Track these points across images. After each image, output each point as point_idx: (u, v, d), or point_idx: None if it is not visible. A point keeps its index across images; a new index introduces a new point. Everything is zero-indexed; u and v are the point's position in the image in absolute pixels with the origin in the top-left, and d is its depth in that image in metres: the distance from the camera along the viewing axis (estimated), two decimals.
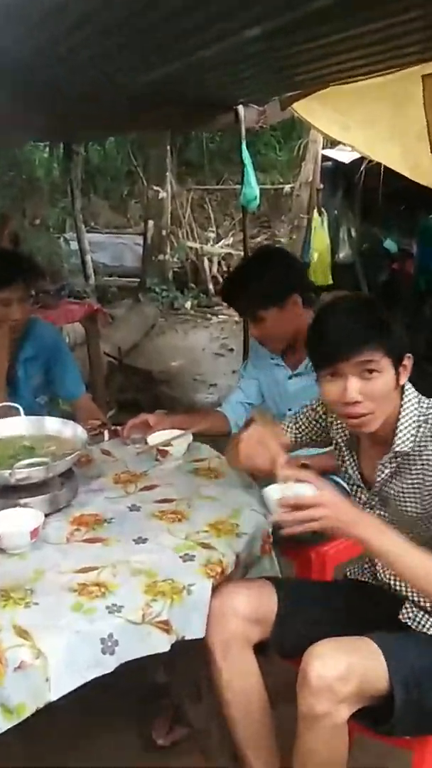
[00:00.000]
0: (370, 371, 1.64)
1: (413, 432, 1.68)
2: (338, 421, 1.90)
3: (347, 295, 2.08)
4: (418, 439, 1.68)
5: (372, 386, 1.64)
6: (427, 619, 1.76)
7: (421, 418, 1.69)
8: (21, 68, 2.74)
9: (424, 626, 1.76)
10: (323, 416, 1.98)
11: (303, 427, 2.04)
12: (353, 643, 1.63)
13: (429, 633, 1.75)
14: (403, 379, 1.70)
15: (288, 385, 2.53)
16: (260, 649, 1.83)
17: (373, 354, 1.63)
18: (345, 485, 2.21)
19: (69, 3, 1.98)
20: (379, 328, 1.65)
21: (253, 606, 1.80)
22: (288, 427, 2.07)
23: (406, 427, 1.68)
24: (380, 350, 1.64)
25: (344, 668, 1.55)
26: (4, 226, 5.81)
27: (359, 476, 1.84)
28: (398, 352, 1.67)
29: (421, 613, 1.77)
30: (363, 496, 1.84)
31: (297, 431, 2.05)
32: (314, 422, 2.01)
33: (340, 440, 1.90)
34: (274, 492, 1.63)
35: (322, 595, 1.90)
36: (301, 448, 2.10)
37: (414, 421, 1.69)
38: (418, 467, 1.68)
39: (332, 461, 1.98)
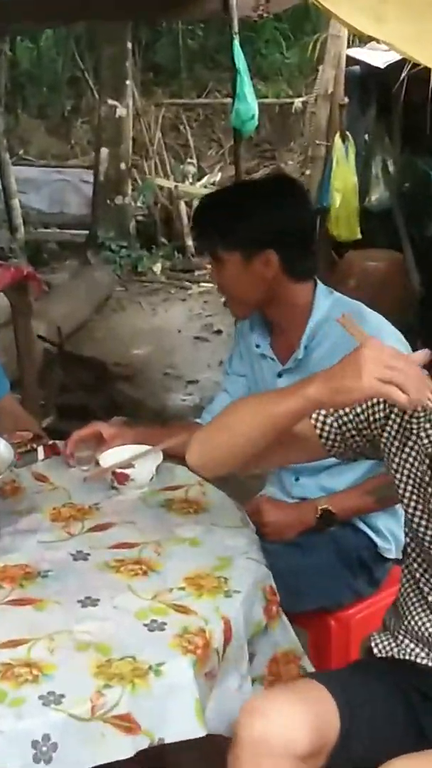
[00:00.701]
0: None
1: None
2: None
3: None
4: None
5: None
6: None
7: None
8: None
9: None
10: (389, 408, 1.89)
11: (348, 423, 1.95)
12: None
13: None
14: None
15: (279, 382, 2.51)
16: None
17: None
18: None
19: None
20: None
21: (311, 736, 1.72)
22: (320, 420, 1.96)
23: None
24: None
25: None
26: None
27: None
28: None
29: None
30: None
31: (336, 431, 1.96)
32: (369, 419, 1.92)
33: (423, 446, 1.85)
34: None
35: (371, 687, 1.90)
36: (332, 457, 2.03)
37: None
38: None
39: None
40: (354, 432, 1.93)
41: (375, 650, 1.99)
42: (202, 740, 1.73)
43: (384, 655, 1.97)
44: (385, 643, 1.99)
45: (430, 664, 1.90)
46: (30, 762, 1.55)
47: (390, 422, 1.88)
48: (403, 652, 1.95)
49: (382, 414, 1.88)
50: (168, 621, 1.81)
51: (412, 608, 1.93)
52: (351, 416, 1.92)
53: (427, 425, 1.82)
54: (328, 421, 1.94)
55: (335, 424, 1.93)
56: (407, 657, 1.93)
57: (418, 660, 1.92)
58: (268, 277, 2.39)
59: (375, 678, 1.93)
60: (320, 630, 2.45)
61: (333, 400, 1.75)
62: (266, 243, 2.37)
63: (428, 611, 1.90)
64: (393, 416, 1.87)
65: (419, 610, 1.91)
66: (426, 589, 1.90)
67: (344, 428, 1.93)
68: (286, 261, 2.39)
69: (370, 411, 1.89)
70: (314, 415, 1.94)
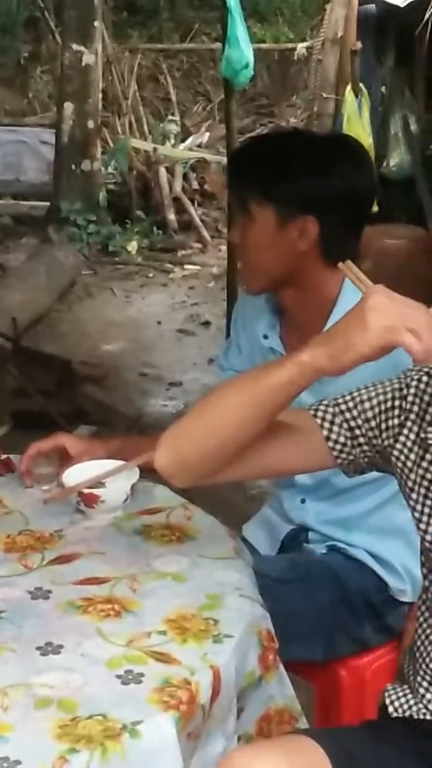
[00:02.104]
0: None
1: None
2: None
3: None
4: None
5: None
6: None
7: None
8: None
9: None
10: (405, 414, 1.91)
11: (359, 428, 1.95)
12: None
13: None
14: None
15: None
16: None
17: None
18: None
19: None
20: None
21: None
22: (327, 419, 1.96)
23: None
24: None
25: None
26: None
27: None
28: None
29: None
30: None
31: (346, 435, 1.96)
32: (381, 425, 1.93)
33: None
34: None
35: (382, 751, 1.92)
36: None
37: None
38: None
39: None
40: (363, 440, 1.94)
41: (390, 708, 2.00)
42: None
43: (401, 714, 1.97)
44: (402, 698, 2.00)
45: None
46: None
47: (405, 431, 1.89)
48: (423, 710, 1.96)
49: (396, 421, 1.89)
50: (146, 671, 1.82)
51: (431, 651, 1.95)
52: (360, 421, 1.92)
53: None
54: (337, 420, 1.94)
55: (345, 426, 1.94)
56: (429, 716, 1.94)
57: None
58: (300, 250, 2.35)
59: (386, 740, 1.95)
60: (327, 682, 2.46)
61: (333, 363, 1.74)
62: (309, 207, 2.34)
63: None
64: (409, 423, 1.88)
65: None
66: None
67: (354, 432, 1.94)
68: (326, 235, 2.36)
69: (383, 417, 1.91)
70: (320, 415, 1.94)
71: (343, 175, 2.39)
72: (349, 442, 1.94)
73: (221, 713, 1.87)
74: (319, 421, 1.94)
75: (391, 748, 1.91)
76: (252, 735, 1.99)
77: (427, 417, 1.86)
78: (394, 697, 2.01)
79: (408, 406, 1.89)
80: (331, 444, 1.94)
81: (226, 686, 1.89)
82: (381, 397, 1.92)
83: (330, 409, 1.95)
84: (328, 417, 1.94)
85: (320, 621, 2.39)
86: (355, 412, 1.93)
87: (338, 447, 1.94)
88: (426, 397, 1.87)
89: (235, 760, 1.81)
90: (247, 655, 1.97)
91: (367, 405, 1.93)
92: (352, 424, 1.93)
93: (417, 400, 1.88)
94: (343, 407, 1.94)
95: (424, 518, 1.89)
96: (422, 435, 1.86)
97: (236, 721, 1.95)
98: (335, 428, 1.93)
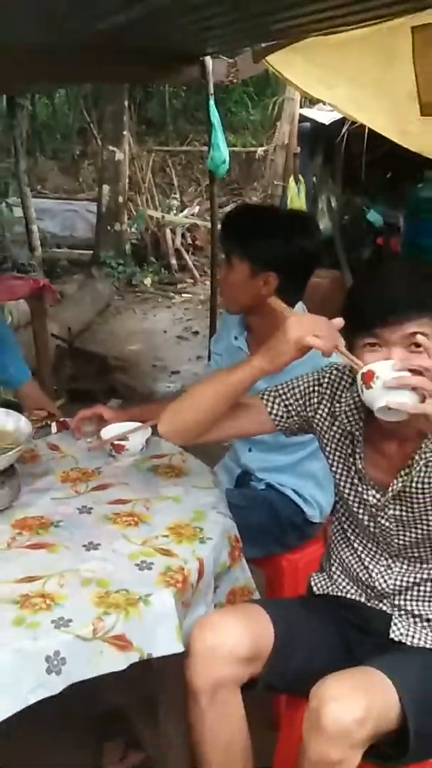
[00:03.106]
0: (417, 345, 1.59)
1: None
2: (353, 406, 1.83)
3: (409, 258, 2.07)
4: None
5: (419, 363, 1.56)
6: (421, 630, 1.80)
7: None
8: None
9: (420, 640, 1.79)
10: (321, 396, 1.90)
11: (291, 405, 1.94)
12: (366, 678, 1.63)
13: (427, 646, 1.78)
14: None
15: None
16: (248, 685, 1.81)
17: (424, 326, 1.60)
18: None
19: None
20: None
21: (250, 644, 1.76)
22: (269, 399, 1.96)
23: None
24: None
25: (362, 711, 1.54)
26: None
27: (367, 475, 1.83)
28: None
29: (412, 624, 1.81)
30: (372, 497, 1.83)
31: (283, 407, 1.95)
32: (306, 403, 1.92)
33: (353, 429, 1.84)
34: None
35: (310, 617, 1.91)
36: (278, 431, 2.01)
37: None
38: None
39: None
40: (294, 413, 1.94)
41: (315, 588, 2.00)
42: (180, 655, 1.74)
43: (321, 592, 1.98)
44: (322, 582, 2.00)
45: (356, 598, 1.91)
46: (43, 674, 1.55)
47: (321, 406, 1.89)
48: (336, 589, 1.96)
49: (315, 400, 1.90)
50: (155, 561, 1.81)
51: (340, 550, 1.96)
52: (292, 399, 1.93)
53: (346, 408, 1.84)
54: (276, 401, 1.95)
55: (282, 404, 1.94)
56: (339, 594, 1.95)
57: (348, 595, 1.93)
58: (263, 294, 2.28)
59: (312, 610, 1.95)
60: (274, 569, 2.46)
61: (273, 364, 1.78)
62: (273, 265, 2.30)
63: (353, 551, 1.92)
64: (324, 401, 1.89)
65: (346, 551, 1.94)
66: (351, 537, 1.92)
67: (288, 408, 1.94)
68: (282, 285, 2.31)
69: (307, 398, 1.92)
70: (265, 398, 1.95)
71: (298, 243, 2.33)
72: (284, 415, 1.95)
73: (203, 589, 1.87)
74: (264, 401, 1.96)
75: (315, 615, 1.91)
76: (223, 603, 1.99)
77: (336, 397, 1.87)
78: (317, 580, 2.02)
79: (324, 390, 1.90)
80: (272, 416, 1.95)
81: (207, 572, 1.89)
82: (304, 385, 1.93)
83: (272, 394, 1.96)
84: (270, 399, 1.96)
85: (261, 533, 2.38)
86: (288, 395, 1.94)
87: (278, 418, 1.95)
88: (335, 384, 1.89)
89: (210, 619, 1.81)
90: (221, 551, 1.97)
91: (296, 390, 1.94)
92: (287, 402, 1.94)
93: (330, 386, 1.90)
94: (281, 392, 1.95)
95: (334, 464, 1.90)
96: (332, 409, 1.87)
97: (213, 594, 1.95)
98: (275, 406, 1.95)
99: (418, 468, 1.73)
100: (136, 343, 6.89)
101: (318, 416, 1.90)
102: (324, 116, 6.49)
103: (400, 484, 1.76)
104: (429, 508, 1.75)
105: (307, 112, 7.00)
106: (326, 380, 1.90)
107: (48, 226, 9.33)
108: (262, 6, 3.03)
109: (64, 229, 9.81)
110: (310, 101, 6.44)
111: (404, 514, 1.79)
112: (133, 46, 3.67)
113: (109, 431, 2.38)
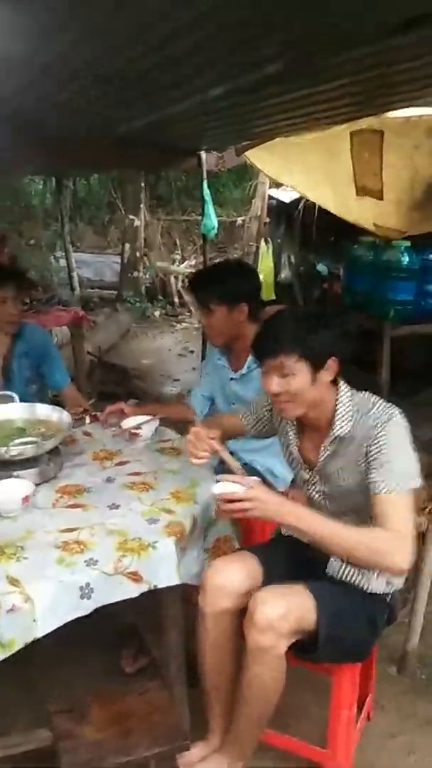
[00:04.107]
0: (285, 373, 1.68)
1: (349, 419, 1.70)
2: None
3: (286, 308, 2.09)
4: (353, 425, 1.70)
5: (287, 383, 1.68)
6: (347, 571, 1.79)
7: (355, 407, 1.71)
8: (22, 115, 2.70)
9: (345, 576, 1.79)
10: (270, 407, 1.96)
11: (257, 416, 2.01)
12: (290, 590, 1.67)
13: (348, 581, 1.78)
14: (327, 377, 1.69)
15: (231, 384, 2.49)
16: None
17: (287, 359, 1.66)
18: (275, 473, 2.28)
19: (62, 59, 1.95)
20: (293, 339, 1.67)
21: (247, 583, 1.78)
22: (245, 416, 2.04)
23: (342, 416, 1.70)
24: (294, 356, 1.66)
25: (284, 609, 1.61)
26: (3, 245, 5.76)
27: (301, 457, 1.85)
28: (316, 356, 1.67)
29: (342, 566, 1.80)
30: (305, 474, 1.84)
31: (253, 420, 2.02)
32: (265, 412, 1.98)
33: (287, 426, 1.88)
34: (215, 488, 1.68)
35: (280, 552, 1.90)
36: (253, 436, 2.07)
37: (348, 410, 1.70)
38: (353, 448, 1.70)
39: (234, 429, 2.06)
40: (260, 422, 2.00)
41: (282, 531, 2.00)
42: (178, 586, 1.75)
43: (287, 534, 1.98)
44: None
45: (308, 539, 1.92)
46: (78, 599, 1.55)
47: (280, 419, 1.92)
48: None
49: (276, 414, 1.93)
50: (160, 518, 1.82)
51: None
52: (259, 415, 2.00)
53: (286, 424, 1.89)
54: (248, 416, 2.03)
55: (251, 418, 2.02)
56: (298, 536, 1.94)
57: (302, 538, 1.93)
58: (241, 320, 2.32)
59: (281, 547, 1.95)
60: (247, 523, 2.44)
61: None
62: (242, 299, 2.32)
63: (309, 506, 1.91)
64: (280, 418, 1.91)
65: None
66: (310, 495, 1.91)
67: (257, 419, 2.01)
68: (251, 309, 2.33)
69: (272, 412, 1.96)
70: (241, 415, 2.05)
71: (250, 280, 2.41)
72: (255, 423, 2.01)
73: (196, 538, 1.88)
74: (241, 417, 2.04)
75: (282, 550, 1.90)
76: (210, 548, 1.98)
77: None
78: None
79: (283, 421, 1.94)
80: (247, 426, 2.03)
81: (199, 525, 1.89)
82: (267, 406, 1.96)
83: (246, 412, 2.04)
84: (246, 415, 2.03)
85: None
86: (257, 411, 2.01)
87: (250, 426, 2.02)
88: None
89: (218, 565, 1.81)
90: (209, 510, 1.97)
91: (260, 408, 1.99)
92: (256, 416, 2.01)
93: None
94: (252, 410, 2.02)
95: (285, 453, 1.93)
96: (283, 423, 1.91)
97: (203, 542, 1.95)
98: (248, 419, 2.02)
99: (325, 452, 1.75)
100: (149, 359, 6.87)
101: (279, 426, 1.94)
102: (286, 196, 6.50)
103: (320, 464, 1.77)
104: (342, 484, 1.74)
105: (274, 192, 7.01)
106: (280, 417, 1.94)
107: (84, 272, 9.27)
108: (241, 116, 3.05)
109: (96, 275, 9.76)
110: (276, 184, 6.44)
111: (325, 488, 1.79)
112: (148, 143, 3.68)
113: (128, 422, 2.38)
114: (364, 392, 1.75)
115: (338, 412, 1.70)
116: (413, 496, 1.63)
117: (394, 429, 1.63)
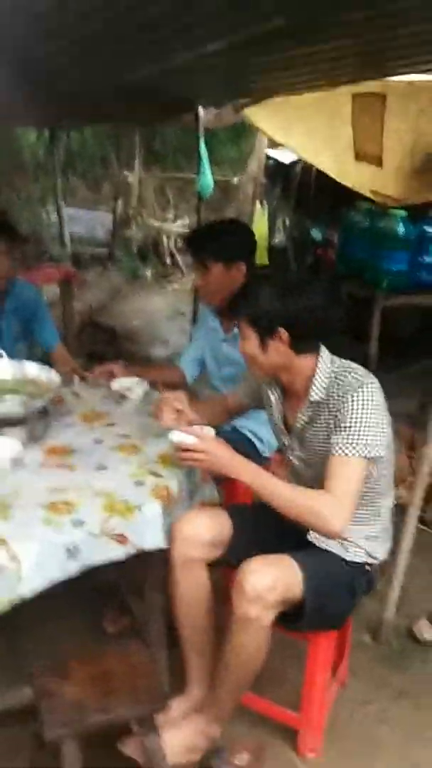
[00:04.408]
0: (243, 336, 1.78)
1: (324, 386, 1.72)
2: (272, 382, 1.91)
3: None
4: (327, 391, 1.71)
5: (242, 345, 1.79)
6: (330, 540, 1.81)
7: (332, 375, 1.73)
8: (20, 63, 2.61)
9: (326, 544, 1.81)
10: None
11: (248, 383, 2.04)
12: (277, 560, 1.69)
13: (330, 550, 1.80)
14: (279, 346, 1.72)
15: (222, 347, 2.48)
16: (213, 564, 1.86)
17: (242, 322, 1.77)
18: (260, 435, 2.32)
19: (63, 2, 1.87)
20: (245, 305, 1.75)
21: (214, 534, 1.82)
22: (242, 387, 2.08)
23: (319, 382, 1.73)
24: (245, 320, 1.76)
25: (272, 580, 1.63)
26: None
27: (283, 423, 1.87)
28: (262, 324, 1.72)
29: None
30: (286, 440, 1.86)
31: (248, 390, 2.05)
32: (254, 383, 2.01)
33: (270, 391, 1.90)
34: (172, 436, 1.77)
35: (256, 518, 1.92)
36: (250, 409, 2.11)
37: (326, 377, 1.73)
38: (326, 414, 1.72)
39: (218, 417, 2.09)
40: (255, 390, 2.02)
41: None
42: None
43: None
44: None
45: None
46: (65, 560, 1.56)
47: (262, 384, 1.95)
48: None
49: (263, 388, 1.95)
50: (147, 481, 1.82)
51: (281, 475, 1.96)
52: (251, 381, 2.02)
53: (267, 388, 1.92)
54: (247, 389, 2.07)
55: (248, 389, 2.05)
56: None
57: None
58: (239, 279, 2.29)
59: (259, 512, 1.95)
60: (230, 487, 2.46)
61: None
62: (240, 257, 2.31)
63: (287, 477, 1.94)
64: (269, 394, 1.93)
65: (284, 477, 1.94)
66: (290, 460, 1.93)
67: (251, 389, 2.04)
68: (248, 268, 2.32)
69: (259, 389, 1.99)
70: (240, 388, 2.10)
71: (249, 239, 2.41)
72: (250, 392, 2.05)
73: (181, 500, 1.89)
74: (239, 389, 2.11)
75: (261, 516, 1.88)
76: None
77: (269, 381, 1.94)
78: None
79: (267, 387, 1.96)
80: (244, 398, 2.07)
81: (185, 489, 1.90)
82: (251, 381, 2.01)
83: (242, 383, 2.09)
84: (242, 386, 2.09)
85: None
86: (248, 378, 2.04)
87: (246, 396, 2.07)
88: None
89: (185, 516, 1.83)
90: (195, 473, 1.98)
91: (250, 375, 2.00)
92: (248, 383, 2.05)
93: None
94: (242, 387, 2.08)
95: (270, 419, 1.95)
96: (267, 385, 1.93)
97: (189, 503, 1.96)
98: (244, 390, 2.07)
99: (302, 417, 1.78)
100: (139, 319, 6.82)
101: (263, 390, 1.95)
102: (285, 156, 6.38)
103: (296, 429, 1.81)
104: (317, 450, 1.76)
105: (272, 152, 6.88)
106: (263, 383, 1.96)
107: (76, 228, 9.11)
108: (241, 72, 2.97)
109: (88, 232, 9.59)
110: (274, 144, 6.32)
111: (303, 454, 1.80)
112: (145, 96, 3.58)
113: (117, 384, 2.36)
114: (344, 360, 1.77)
115: (315, 378, 1.73)
116: (368, 465, 1.67)
117: (362, 397, 1.66)
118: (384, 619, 2.37)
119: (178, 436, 1.74)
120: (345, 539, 1.78)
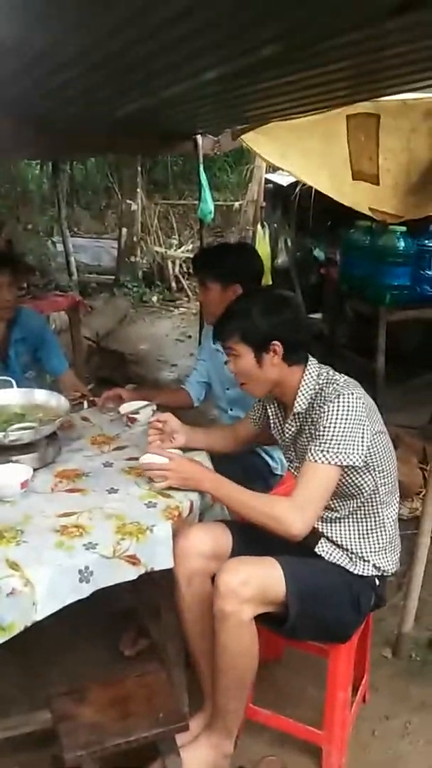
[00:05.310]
0: (232, 355, 1.82)
1: (309, 397, 1.76)
2: (271, 399, 1.95)
3: (245, 293, 2.15)
4: (311, 402, 1.76)
5: (234, 364, 1.83)
6: (336, 552, 1.80)
7: (317, 387, 1.77)
8: (19, 99, 2.67)
9: (333, 557, 1.80)
10: (264, 405, 2.01)
11: (257, 414, 2.06)
12: (258, 560, 1.69)
13: (334, 562, 1.80)
14: (274, 359, 1.77)
15: (225, 368, 2.48)
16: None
17: (231, 341, 1.81)
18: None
19: (57, 45, 1.92)
20: (236, 322, 1.80)
21: (213, 546, 1.82)
22: (250, 414, 2.09)
23: (303, 394, 1.77)
24: (235, 338, 1.80)
25: (244, 575, 1.62)
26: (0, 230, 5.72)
27: (283, 436, 1.89)
28: (256, 339, 1.77)
29: (333, 547, 1.81)
30: (288, 453, 1.88)
31: (256, 416, 2.06)
32: (260, 407, 2.04)
33: (269, 407, 1.95)
34: (142, 459, 1.94)
35: (259, 531, 1.91)
36: (260, 438, 2.12)
37: (311, 388, 1.77)
38: (309, 424, 1.76)
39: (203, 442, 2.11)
40: (257, 418, 2.05)
41: None
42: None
43: None
44: None
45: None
46: (77, 582, 1.56)
47: (266, 407, 1.99)
48: None
49: (264, 409, 2.00)
50: (158, 502, 1.82)
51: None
52: (257, 405, 2.05)
53: (268, 401, 1.95)
54: (251, 414, 2.08)
55: (253, 417, 2.07)
56: None
57: None
58: (233, 298, 2.30)
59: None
60: None
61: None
62: (236, 279, 2.34)
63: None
64: (266, 405, 1.98)
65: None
66: (292, 473, 1.93)
67: (255, 416, 2.06)
68: (244, 291, 2.33)
69: (261, 401, 2.02)
70: (249, 414, 2.10)
71: (251, 263, 2.44)
72: (258, 420, 2.05)
73: (192, 520, 1.88)
74: (248, 416, 2.10)
75: (262, 529, 1.79)
76: None
77: (268, 402, 1.97)
78: None
79: (265, 403, 2.00)
80: (253, 425, 2.07)
81: (195, 509, 1.90)
82: (259, 404, 2.03)
83: (251, 411, 2.08)
84: (250, 413, 2.08)
85: (237, 483, 2.36)
86: (255, 405, 2.05)
87: (256, 424, 2.06)
88: (265, 399, 1.98)
89: (185, 532, 1.81)
90: (206, 495, 1.97)
91: (255, 407, 2.04)
92: (256, 410, 2.05)
93: (264, 400, 2.00)
94: (251, 412, 2.07)
95: (278, 439, 1.95)
96: (266, 405, 1.98)
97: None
98: (253, 415, 2.07)
99: (290, 428, 1.82)
100: (146, 344, 6.85)
101: (266, 410, 1.97)
102: (283, 180, 6.45)
103: (288, 440, 1.85)
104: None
105: (271, 176, 6.96)
106: (264, 400, 1.99)
107: (81, 257, 9.22)
108: (237, 100, 3.02)
109: (93, 260, 9.70)
110: (273, 168, 6.39)
111: (299, 464, 1.80)
112: (145, 127, 3.65)
113: (126, 407, 2.38)
114: (332, 372, 1.80)
115: (300, 390, 1.78)
116: (339, 473, 1.68)
117: (337, 406, 1.68)
118: (403, 632, 2.34)
119: (148, 458, 1.91)
120: (352, 553, 1.77)
